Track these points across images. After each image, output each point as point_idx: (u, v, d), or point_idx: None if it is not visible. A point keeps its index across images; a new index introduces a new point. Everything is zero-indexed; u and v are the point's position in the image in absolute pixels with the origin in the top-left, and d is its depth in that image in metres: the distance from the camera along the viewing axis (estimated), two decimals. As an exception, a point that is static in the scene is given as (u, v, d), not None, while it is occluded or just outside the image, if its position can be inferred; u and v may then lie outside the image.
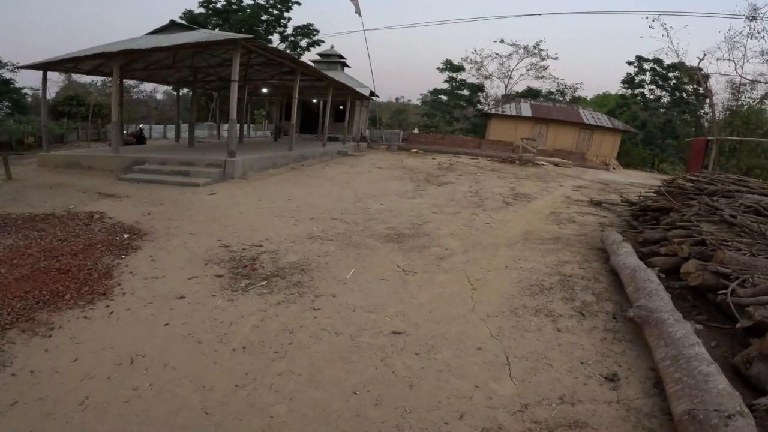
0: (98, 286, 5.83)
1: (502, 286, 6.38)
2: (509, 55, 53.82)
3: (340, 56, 38.13)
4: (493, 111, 44.31)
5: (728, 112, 40.02)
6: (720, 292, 5.22)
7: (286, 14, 47.36)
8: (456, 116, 54.75)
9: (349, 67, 39.03)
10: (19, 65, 23.40)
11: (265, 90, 30.03)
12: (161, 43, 15.63)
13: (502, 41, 55.15)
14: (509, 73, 55.02)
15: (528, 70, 54.60)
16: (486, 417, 3.62)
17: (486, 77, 55.39)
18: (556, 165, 28.28)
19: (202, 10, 44.95)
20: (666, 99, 49.98)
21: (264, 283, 6.07)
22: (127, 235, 7.99)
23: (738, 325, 4.59)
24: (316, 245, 7.82)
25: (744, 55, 34.64)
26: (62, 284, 5.81)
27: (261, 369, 4.15)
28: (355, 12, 35.15)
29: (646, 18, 58.77)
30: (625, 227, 10.20)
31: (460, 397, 3.84)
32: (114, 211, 9.70)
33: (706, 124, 44.30)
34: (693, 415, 3.23)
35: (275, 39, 47.25)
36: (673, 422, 3.47)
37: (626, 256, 6.90)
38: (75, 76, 47.77)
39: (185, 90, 28.33)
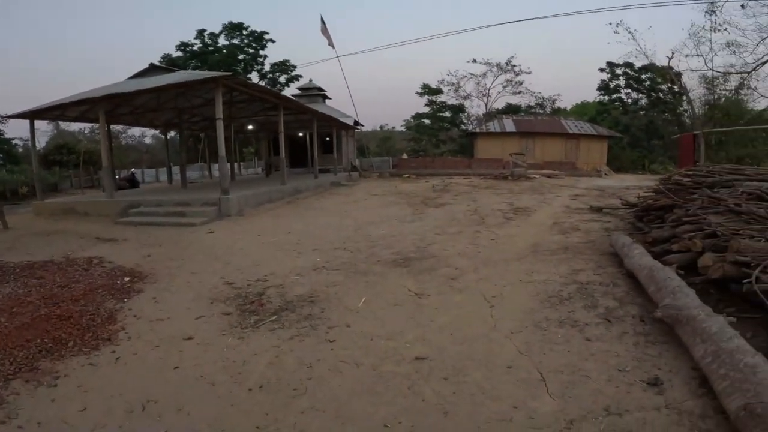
0: (102, 331, 5.66)
1: (520, 300, 6.20)
2: (484, 74, 54.31)
3: (320, 89, 38.21)
4: (478, 130, 44.58)
5: (707, 107, 40.50)
6: (745, 281, 5.07)
7: (261, 52, 48.17)
8: (442, 138, 55.11)
9: (329, 98, 39.18)
10: (6, 115, 23.35)
11: (250, 127, 30.15)
12: (144, 86, 15.69)
13: (474, 61, 55.06)
14: (487, 91, 55.50)
15: (504, 86, 55.14)
16: (532, 438, 3.41)
17: (465, 97, 55.91)
18: (549, 177, 28.27)
19: (179, 53, 45.51)
20: (644, 101, 50.58)
21: (274, 317, 5.86)
22: (128, 278, 7.84)
23: (770, 312, 4.45)
24: (322, 276, 7.63)
25: (711, 49, 34.89)
26: (65, 331, 5.64)
27: (281, 408, 3.92)
28: (329, 45, 35.48)
29: (610, 24, 59.67)
30: (630, 229, 10.06)
31: (500, 420, 3.62)
32: (113, 254, 9.57)
33: (687, 121, 44.65)
34: (750, 410, 3.05)
35: (254, 77, 47.64)
36: (729, 420, 3.28)
37: (640, 257, 6.76)
38: (63, 125, 48.41)
39: (173, 133, 28.40)
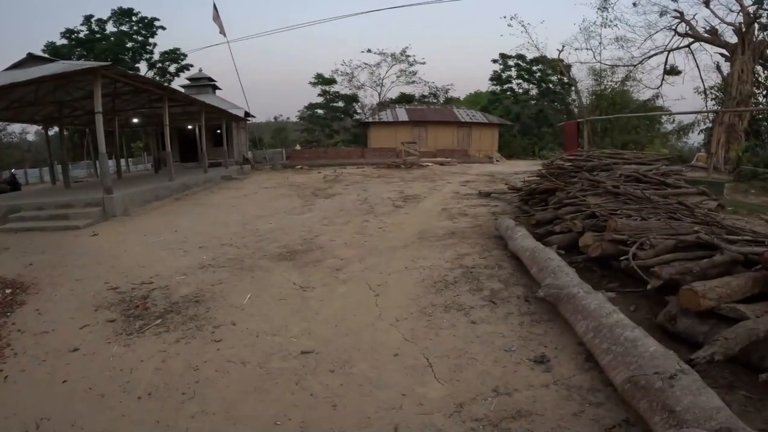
0: (-13, 349, 5.29)
1: (405, 287, 6.29)
2: (378, 64, 54.77)
3: (210, 79, 37.35)
4: (371, 119, 44.97)
5: (594, 97, 42.54)
6: (622, 258, 5.38)
7: (151, 40, 46.37)
8: (335, 128, 55.14)
9: (220, 89, 38.31)
10: None
11: (136, 120, 28.90)
12: (17, 78, 14.60)
13: (369, 51, 55.94)
14: (380, 81, 56.10)
15: (398, 76, 55.85)
16: (422, 424, 3.46)
17: (358, 87, 56.17)
18: (441, 164, 28.85)
19: (64, 41, 43.08)
20: (534, 91, 52.76)
21: (159, 321, 5.66)
22: (10, 290, 7.33)
23: (649, 286, 4.75)
24: (208, 274, 7.46)
25: (600, 43, 37.21)
26: None
27: (172, 414, 3.81)
28: (220, 32, 34.76)
29: (504, 17, 61.57)
30: (517, 213, 10.49)
31: (390, 409, 3.65)
32: (-7, 266, 8.93)
33: (575, 110, 46.92)
34: (634, 382, 3.22)
35: (143, 66, 45.99)
36: (618, 392, 3.44)
37: (522, 239, 7.05)
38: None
39: (56, 128, 26.90)
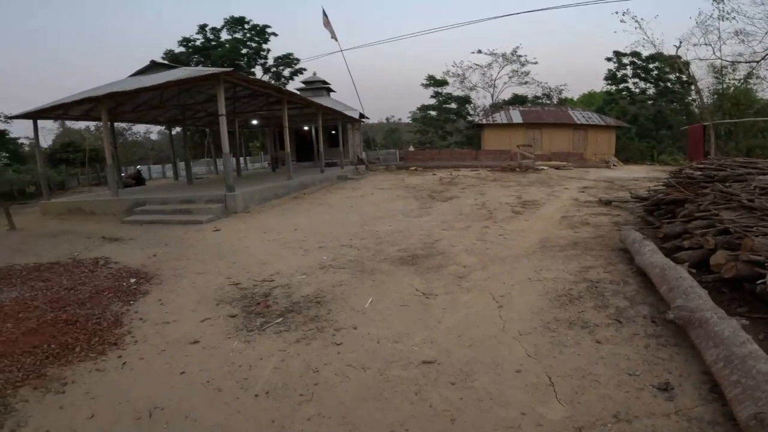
0: (109, 335, 5.61)
1: (529, 300, 6.07)
2: (489, 65, 54.14)
3: (324, 82, 38.25)
4: (485, 121, 44.23)
5: (716, 96, 39.99)
6: (758, 282, 4.97)
7: (264, 46, 47.88)
8: (448, 130, 54.73)
9: (334, 91, 39.23)
10: (10, 115, 23.47)
11: (255, 122, 30.10)
12: (144, 84, 15.67)
13: (479, 51, 54.88)
14: (492, 82, 55.31)
15: (510, 77, 54.94)
16: (541, 447, 3.33)
17: (471, 89, 55.54)
18: (557, 168, 28.14)
19: (182, 49, 45.38)
20: (651, 90, 49.87)
21: (280, 320, 5.77)
22: (134, 280, 7.79)
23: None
24: (329, 275, 7.52)
25: (719, 37, 34.52)
26: (71, 336, 5.60)
27: (288, 415, 3.85)
28: (331, 38, 35.36)
29: (616, 13, 59.11)
30: (640, 224, 9.98)
31: (508, 427, 3.54)
32: (119, 255, 9.54)
33: (696, 111, 44.17)
34: (761, 419, 2.97)
35: (258, 71, 47.53)
36: (739, 428, 3.19)
37: (651, 254, 6.65)
38: (69, 123, 48.29)
39: (178, 128, 28.41)
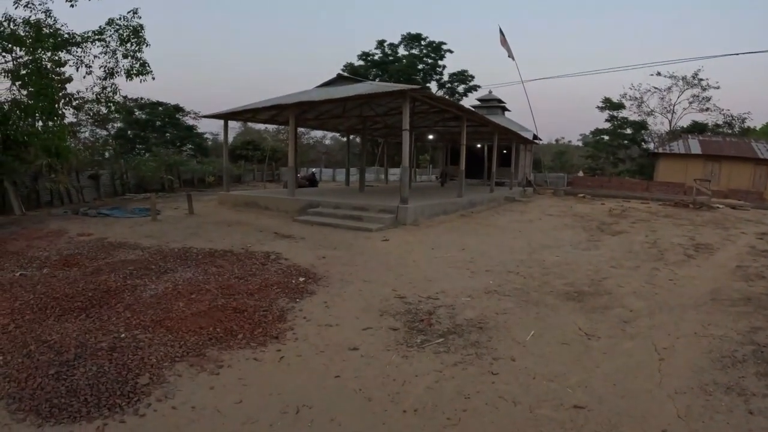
0: (271, 328, 5.93)
1: (691, 356, 5.63)
2: (669, 88, 51.29)
3: (500, 100, 38.22)
4: (660, 150, 41.90)
5: None
6: None
7: (440, 62, 49.13)
8: (621, 157, 52.42)
9: (509, 110, 38.99)
10: (202, 114, 25.91)
11: (431, 136, 30.54)
12: (331, 95, 16.81)
13: (659, 74, 52.21)
14: (671, 107, 52.45)
15: (690, 102, 51.54)
16: None
17: (648, 113, 53.05)
18: (733, 207, 25.65)
19: (361, 62, 47.91)
20: None
21: (441, 340, 5.79)
22: (303, 279, 8.15)
23: None
24: (493, 301, 7.42)
25: None
26: (236, 323, 6.00)
27: (431, 435, 3.86)
28: (508, 56, 35.08)
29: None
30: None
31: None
32: (289, 252, 10.04)
33: None
34: None
35: (433, 86, 48.74)
36: None
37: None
38: (250, 123, 51.89)
39: (352, 136, 29.61)
